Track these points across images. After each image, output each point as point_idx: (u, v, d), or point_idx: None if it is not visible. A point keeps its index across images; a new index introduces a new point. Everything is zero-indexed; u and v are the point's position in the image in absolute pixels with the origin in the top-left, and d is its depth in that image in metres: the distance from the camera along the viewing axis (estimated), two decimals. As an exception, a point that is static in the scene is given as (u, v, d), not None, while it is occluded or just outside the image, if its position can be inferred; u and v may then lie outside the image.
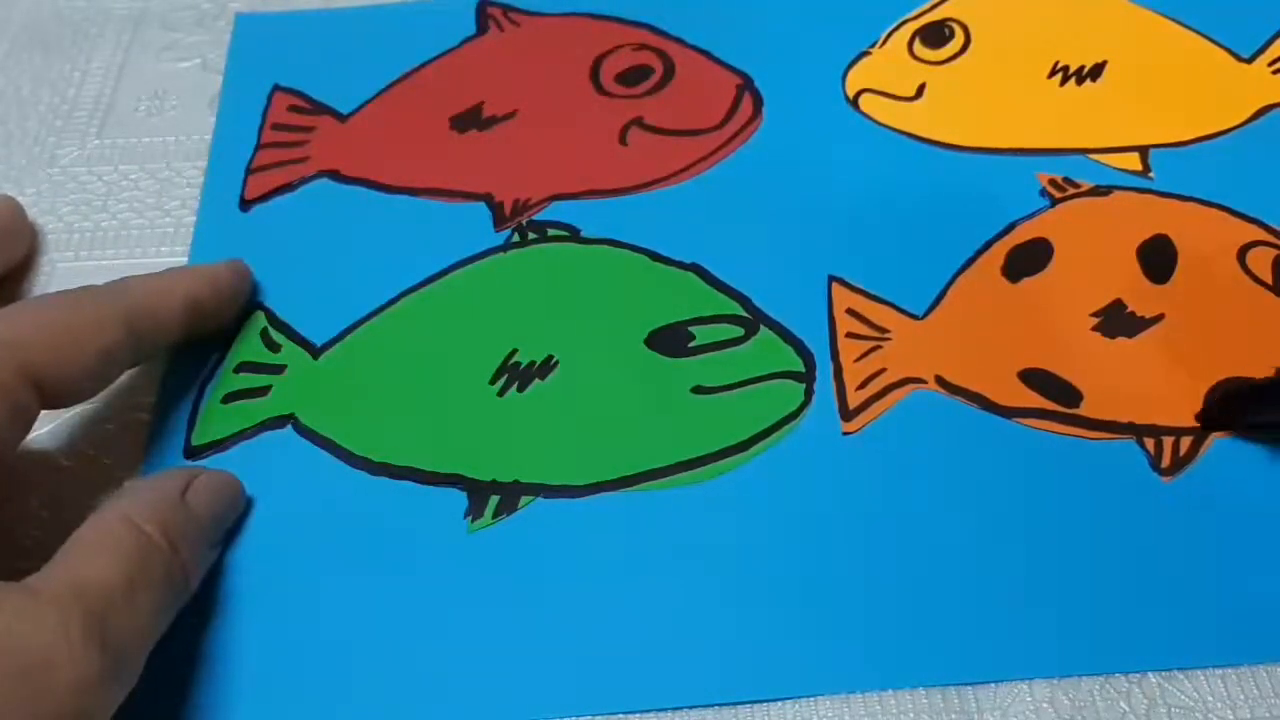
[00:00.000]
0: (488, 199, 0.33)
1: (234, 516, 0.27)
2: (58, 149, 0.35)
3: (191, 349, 0.30)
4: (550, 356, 0.29)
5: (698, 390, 0.29)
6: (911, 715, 0.24)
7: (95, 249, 0.33)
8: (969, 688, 0.24)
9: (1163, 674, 0.24)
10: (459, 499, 0.27)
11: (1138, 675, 0.24)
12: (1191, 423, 0.28)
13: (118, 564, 0.22)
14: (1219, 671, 0.24)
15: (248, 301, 0.31)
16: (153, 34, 0.38)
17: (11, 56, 0.38)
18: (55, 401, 0.25)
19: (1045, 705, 0.24)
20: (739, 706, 0.25)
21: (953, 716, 0.24)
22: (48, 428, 0.29)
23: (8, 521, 0.28)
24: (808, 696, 0.25)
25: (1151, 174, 0.32)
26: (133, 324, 0.26)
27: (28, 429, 0.25)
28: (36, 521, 0.28)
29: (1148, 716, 0.24)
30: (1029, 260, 0.31)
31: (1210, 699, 0.24)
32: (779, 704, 0.24)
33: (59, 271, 0.32)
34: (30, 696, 0.19)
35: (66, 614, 0.20)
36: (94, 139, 0.35)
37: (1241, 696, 0.24)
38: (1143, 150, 0.33)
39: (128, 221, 0.33)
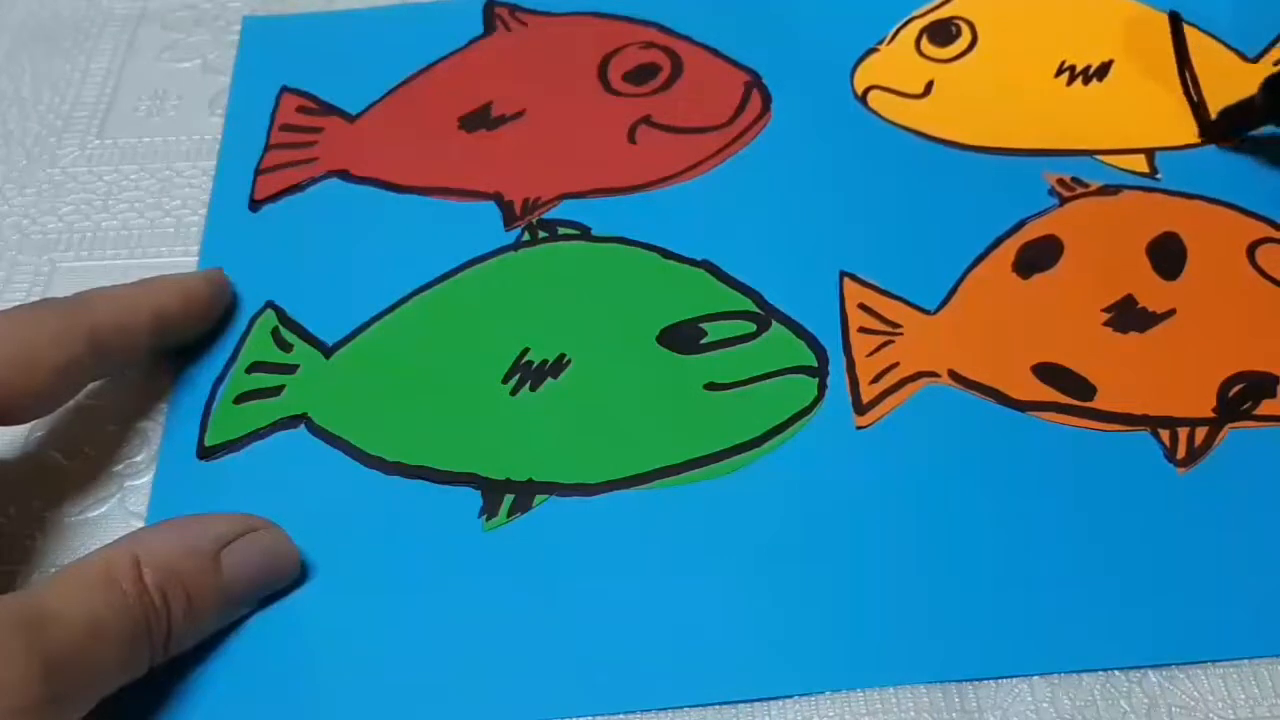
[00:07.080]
0: (497, 198, 0.33)
1: (277, 585, 0.26)
2: (58, 149, 0.35)
3: (202, 349, 0.30)
4: (562, 355, 0.29)
5: (710, 387, 0.29)
6: (913, 715, 0.24)
7: (96, 249, 0.33)
8: (970, 687, 0.24)
9: (1163, 674, 0.24)
10: (473, 498, 0.27)
11: (1138, 674, 0.24)
12: (1207, 414, 0.28)
13: (92, 608, 0.22)
14: (1219, 671, 0.24)
15: (226, 311, 0.30)
16: (153, 34, 0.38)
17: (11, 56, 0.38)
18: (8, 419, 0.25)
19: (1046, 704, 0.24)
20: (738, 706, 0.24)
21: (954, 716, 0.24)
22: (49, 428, 0.29)
23: (7, 522, 0.27)
24: (811, 694, 0.24)
25: (1159, 175, 0.32)
26: (96, 340, 0.26)
27: None
28: (37, 522, 0.27)
29: (1148, 716, 0.24)
30: (1040, 256, 0.31)
31: (1210, 698, 0.24)
32: (779, 702, 0.24)
33: (59, 271, 0.32)
34: None
35: (19, 642, 0.20)
36: (94, 139, 0.35)
37: (1242, 696, 0.24)
38: (1149, 152, 0.33)
39: (128, 221, 0.33)
